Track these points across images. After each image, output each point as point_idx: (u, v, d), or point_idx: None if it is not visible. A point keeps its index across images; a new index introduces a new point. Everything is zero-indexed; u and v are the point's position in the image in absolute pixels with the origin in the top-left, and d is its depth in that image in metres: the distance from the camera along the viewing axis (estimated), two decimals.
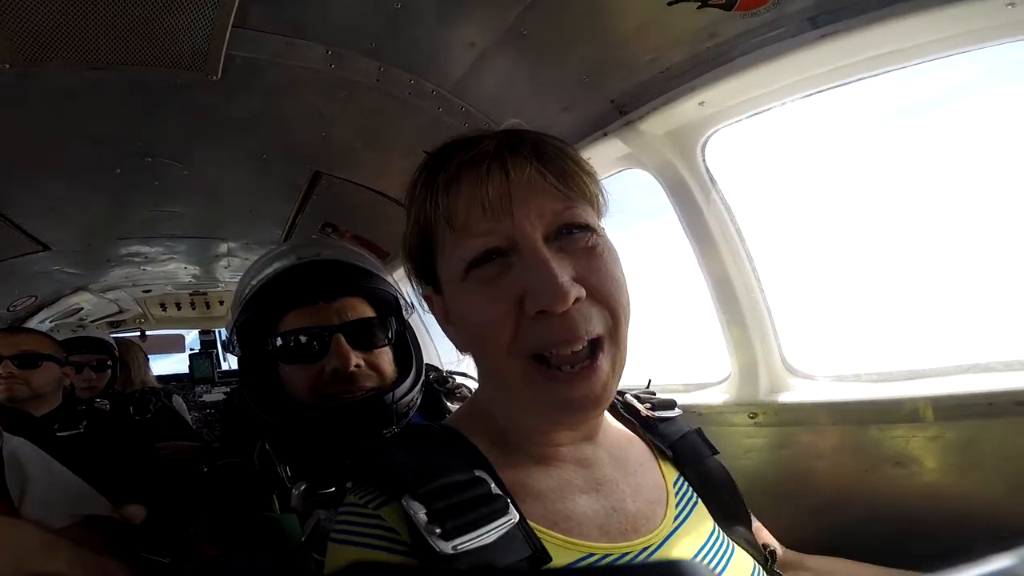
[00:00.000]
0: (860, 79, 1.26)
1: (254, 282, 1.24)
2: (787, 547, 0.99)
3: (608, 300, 0.66)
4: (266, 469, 1.12)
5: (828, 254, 1.72)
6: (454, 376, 1.48)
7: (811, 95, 1.33)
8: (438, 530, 0.55)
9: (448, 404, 1.39)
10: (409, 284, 0.83)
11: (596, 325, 0.65)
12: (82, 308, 4.26)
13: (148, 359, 3.94)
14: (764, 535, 0.94)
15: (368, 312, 1.22)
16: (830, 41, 1.17)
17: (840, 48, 1.18)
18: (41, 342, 2.25)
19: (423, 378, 1.27)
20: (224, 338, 1.32)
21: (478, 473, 0.63)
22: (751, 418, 1.53)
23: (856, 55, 1.21)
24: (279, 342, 1.16)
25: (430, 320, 1.37)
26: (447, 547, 0.55)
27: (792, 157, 1.68)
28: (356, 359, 1.15)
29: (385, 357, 1.22)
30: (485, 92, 1.72)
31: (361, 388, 1.15)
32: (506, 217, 0.65)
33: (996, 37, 1.08)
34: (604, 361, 0.65)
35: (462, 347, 0.75)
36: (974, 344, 1.30)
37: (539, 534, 0.62)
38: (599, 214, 0.73)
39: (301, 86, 1.77)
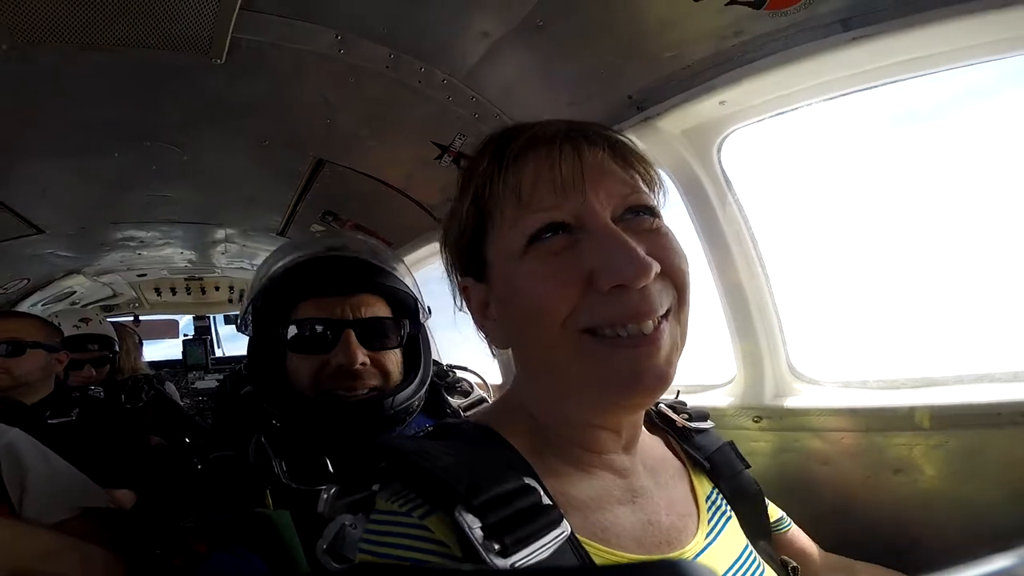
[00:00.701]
0: (887, 83, 1.25)
1: (277, 267, 1.25)
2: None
3: (676, 275, 0.65)
4: (261, 463, 1.10)
5: (840, 259, 1.71)
6: (454, 370, 1.48)
7: (836, 97, 1.32)
8: (496, 546, 0.52)
9: (449, 399, 1.39)
10: (448, 277, 0.80)
11: (667, 300, 0.64)
12: (75, 291, 4.22)
13: (142, 344, 3.91)
14: (802, 540, 0.96)
15: (384, 311, 1.22)
16: (861, 44, 1.15)
17: (870, 51, 1.17)
18: (28, 328, 2.18)
19: (428, 383, 1.27)
20: (240, 318, 1.31)
21: (527, 481, 0.60)
22: (755, 421, 1.54)
23: (886, 59, 1.20)
24: (291, 330, 1.17)
25: (432, 324, 1.37)
26: (505, 563, 0.52)
27: (805, 159, 1.66)
28: (363, 356, 1.15)
29: (393, 358, 1.22)
30: (498, 83, 1.69)
31: (364, 386, 1.16)
32: (576, 195, 0.64)
33: (1018, 48, 1.08)
34: (668, 334, 0.63)
35: (502, 338, 0.73)
36: (981, 354, 1.31)
37: (583, 546, 0.60)
38: (660, 206, 0.72)
39: (308, 71, 1.73)
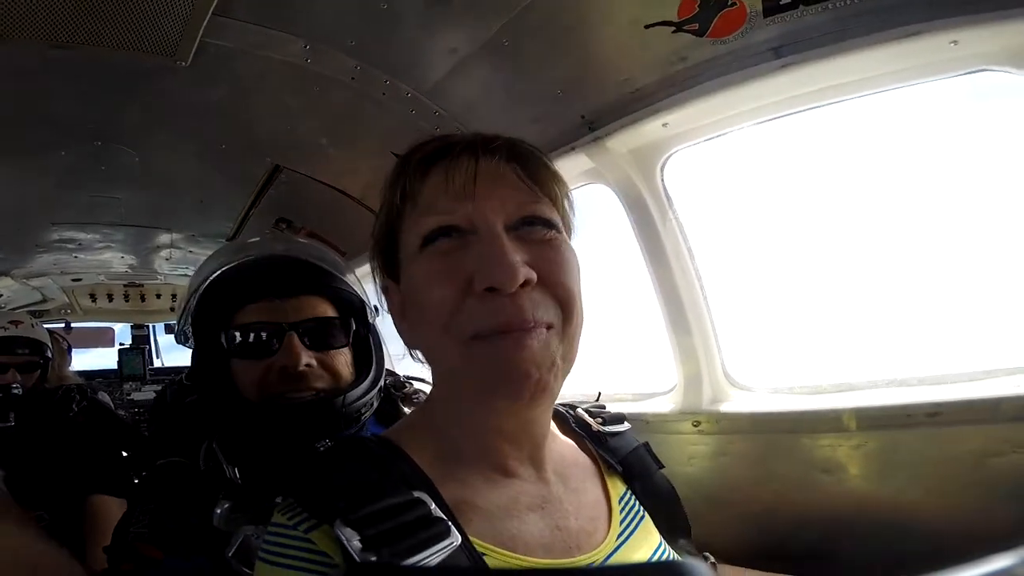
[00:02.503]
0: (814, 107, 1.35)
1: (214, 273, 1.20)
2: (725, 551, 1.02)
3: (559, 289, 0.65)
4: (212, 470, 1.08)
5: (769, 270, 1.82)
6: (411, 381, 1.46)
7: (767, 121, 1.43)
8: (373, 557, 0.54)
9: (405, 410, 1.36)
10: (372, 282, 0.82)
11: (545, 313, 0.63)
12: (1, 295, 3.98)
13: (70, 351, 3.68)
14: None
15: (329, 312, 1.19)
16: (790, 71, 1.25)
17: (798, 78, 1.27)
18: None
19: (382, 383, 1.25)
20: (177, 328, 1.25)
21: (416, 494, 0.61)
22: (695, 426, 1.61)
23: (812, 85, 1.30)
24: (233, 336, 1.13)
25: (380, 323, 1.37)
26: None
27: (733, 177, 1.77)
28: (308, 358, 1.12)
29: (341, 359, 1.19)
30: (460, 98, 1.75)
31: (311, 388, 1.12)
32: (469, 201, 0.65)
33: (940, 71, 1.19)
34: (551, 340, 0.63)
35: (411, 340, 0.74)
36: (894, 358, 1.42)
37: (483, 551, 0.61)
38: (564, 220, 0.73)
39: (273, 78, 1.75)
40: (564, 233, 0.71)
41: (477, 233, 0.65)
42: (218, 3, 1.40)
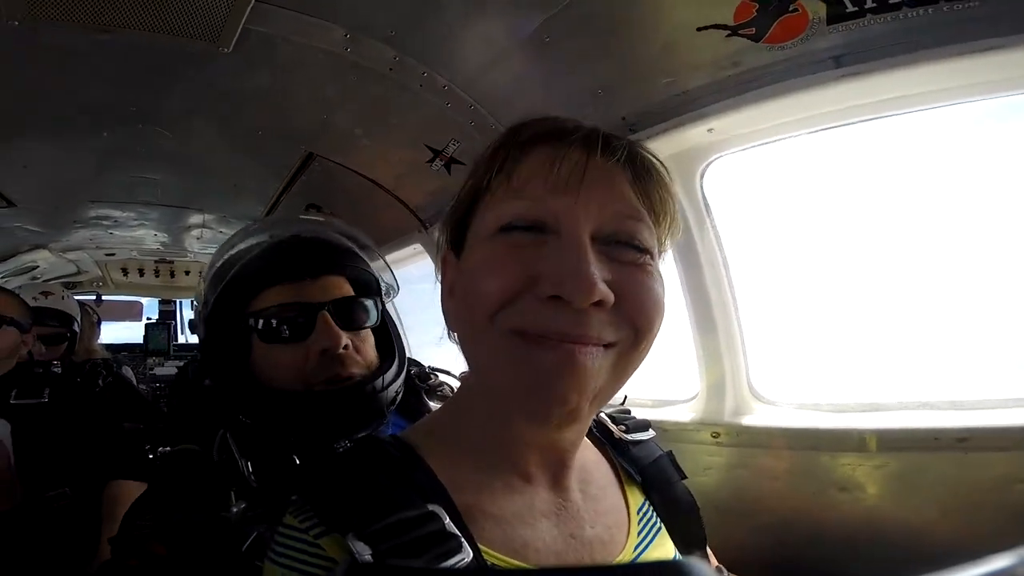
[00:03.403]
0: (871, 119, 1.32)
1: (230, 255, 1.14)
2: (737, 563, 0.98)
3: (637, 315, 0.59)
4: (226, 462, 1.02)
5: (802, 286, 1.79)
6: (436, 373, 1.41)
7: (821, 130, 1.39)
8: None
9: (429, 403, 1.32)
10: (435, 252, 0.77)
11: (611, 334, 0.58)
12: (37, 266, 4.09)
13: (100, 325, 3.77)
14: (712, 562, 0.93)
15: (350, 292, 1.14)
16: (850, 80, 1.21)
17: (859, 88, 1.22)
18: (3, 303, 2.09)
19: (406, 369, 1.21)
20: (192, 315, 1.19)
21: (431, 508, 0.59)
22: (713, 437, 1.60)
23: (873, 96, 1.26)
24: (259, 321, 1.07)
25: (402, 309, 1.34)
26: None
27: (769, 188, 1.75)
28: (346, 338, 1.07)
29: (369, 341, 1.16)
30: (497, 93, 1.75)
31: (349, 372, 1.08)
32: (566, 197, 0.59)
33: (1015, 87, 1.16)
34: (605, 362, 0.58)
35: (454, 321, 0.69)
36: (926, 381, 1.39)
37: (494, 562, 0.60)
38: (660, 244, 0.66)
39: (312, 66, 1.77)
40: (656, 260, 0.64)
41: (559, 233, 0.59)
42: None
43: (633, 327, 0.59)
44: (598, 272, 0.56)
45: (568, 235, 0.58)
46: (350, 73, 1.78)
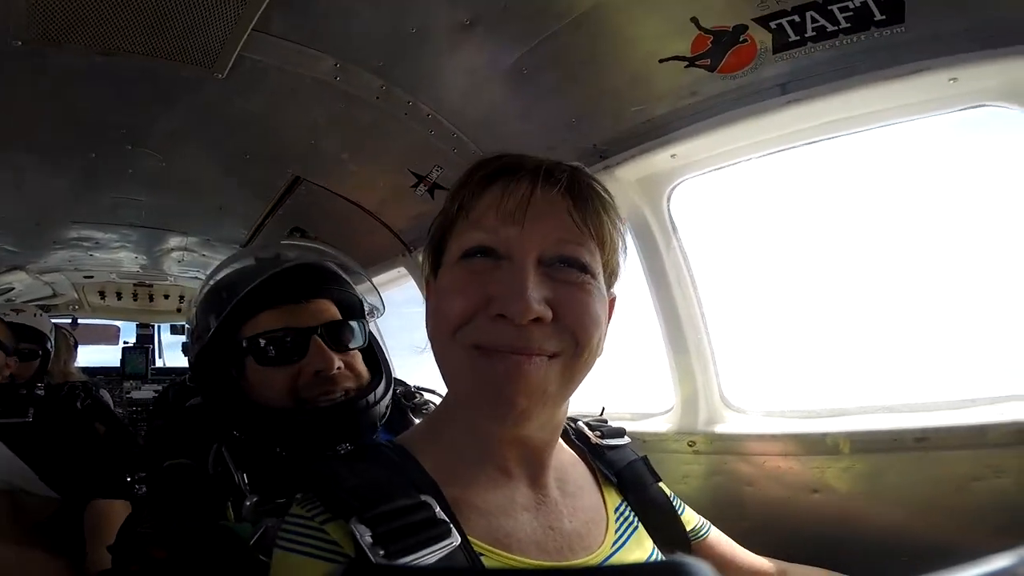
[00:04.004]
0: (817, 141, 1.41)
1: (221, 280, 1.21)
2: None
3: (576, 328, 0.67)
4: (221, 475, 1.07)
5: (765, 297, 1.88)
6: (421, 392, 1.46)
7: (772, 153, 1.49)
8: (381, 552, 0.59)
9: (415, 420, 1.36)
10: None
11: (553, 345, 0.67)
12: (12, 288, 4.02)
13: (76, 348, 3.71)
14: (723, 546, 1.00)
15: (337, 315, 1.21)
16: (796, 106, 1.30)
17: (803, 113, 1.32)
18: None
19: (393, 386, 1.26)
20: (185, 338, 1.22)
21: (424, 498, 0.66)
22: (690, 446, 1.66)
23: (817, 119, 1.35)
24: (253, 344, 1.13)
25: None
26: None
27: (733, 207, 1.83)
28: (338, 360, 1.13)
29: (359, 357, 1.21)
30: (478, 121, 1.83)
31: (341, 390, 1.13)
32: (514, 227, 0.68)
33: (940, 107, 1.24)
34: (552, 366, 0.67)
35: (430, 338, 0.77)
36: (887, 386, 1.47)
37: (480, 550, 0.66)
38: (609, 267, 0.75)
39: (302, 93, 1.83)
40: (598, 278, 0.72)
41: (511, 259, 0.68)
42: (259, 19, 1.47)
43: (573, 339, 0.68)
44: (537, 293, 0.65)
45: (515, 261, 0.68)
46: (339, 101, 1.84)
